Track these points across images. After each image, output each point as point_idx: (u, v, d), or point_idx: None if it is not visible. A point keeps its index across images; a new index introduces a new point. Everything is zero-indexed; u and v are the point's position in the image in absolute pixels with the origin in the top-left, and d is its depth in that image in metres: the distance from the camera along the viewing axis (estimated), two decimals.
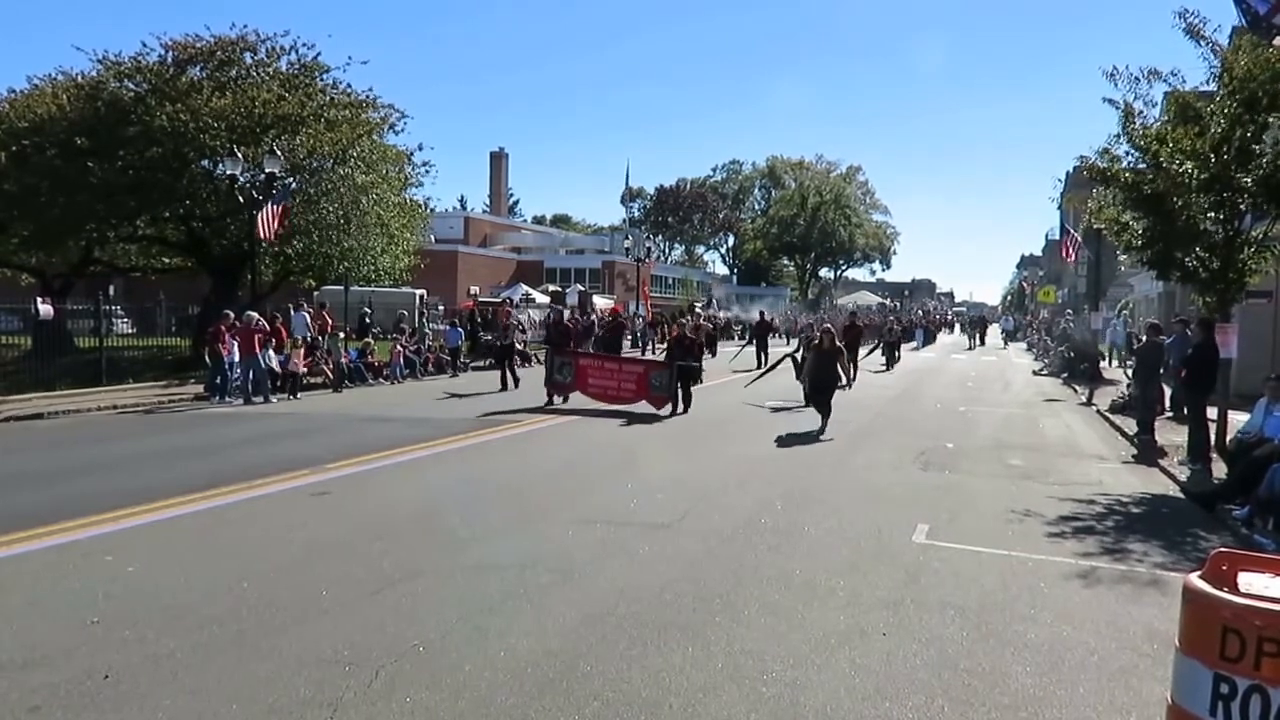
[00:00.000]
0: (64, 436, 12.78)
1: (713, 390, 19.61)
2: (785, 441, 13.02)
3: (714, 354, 30.42)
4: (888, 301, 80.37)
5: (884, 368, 27.84)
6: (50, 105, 21.73)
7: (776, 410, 16.33)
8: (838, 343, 14.98)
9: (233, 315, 17.67)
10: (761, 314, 34.27)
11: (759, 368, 22.75)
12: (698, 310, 28.73)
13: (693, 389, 20.77)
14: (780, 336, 37.43)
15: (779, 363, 19.92)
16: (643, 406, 15.75)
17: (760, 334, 29.59)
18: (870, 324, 42.58)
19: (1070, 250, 29.20)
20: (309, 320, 21.50)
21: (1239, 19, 11.37)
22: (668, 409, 15.67)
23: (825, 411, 14.07)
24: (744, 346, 31.63)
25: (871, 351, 28.76)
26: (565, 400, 16.61)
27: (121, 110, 21.19)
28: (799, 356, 14.99)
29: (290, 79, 23.71)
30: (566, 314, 31.96)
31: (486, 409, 15.92)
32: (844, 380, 14.70)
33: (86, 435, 12.91)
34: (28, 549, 6.74)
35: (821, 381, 14.29)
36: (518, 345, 22.46)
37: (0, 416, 14.15)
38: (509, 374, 19.49)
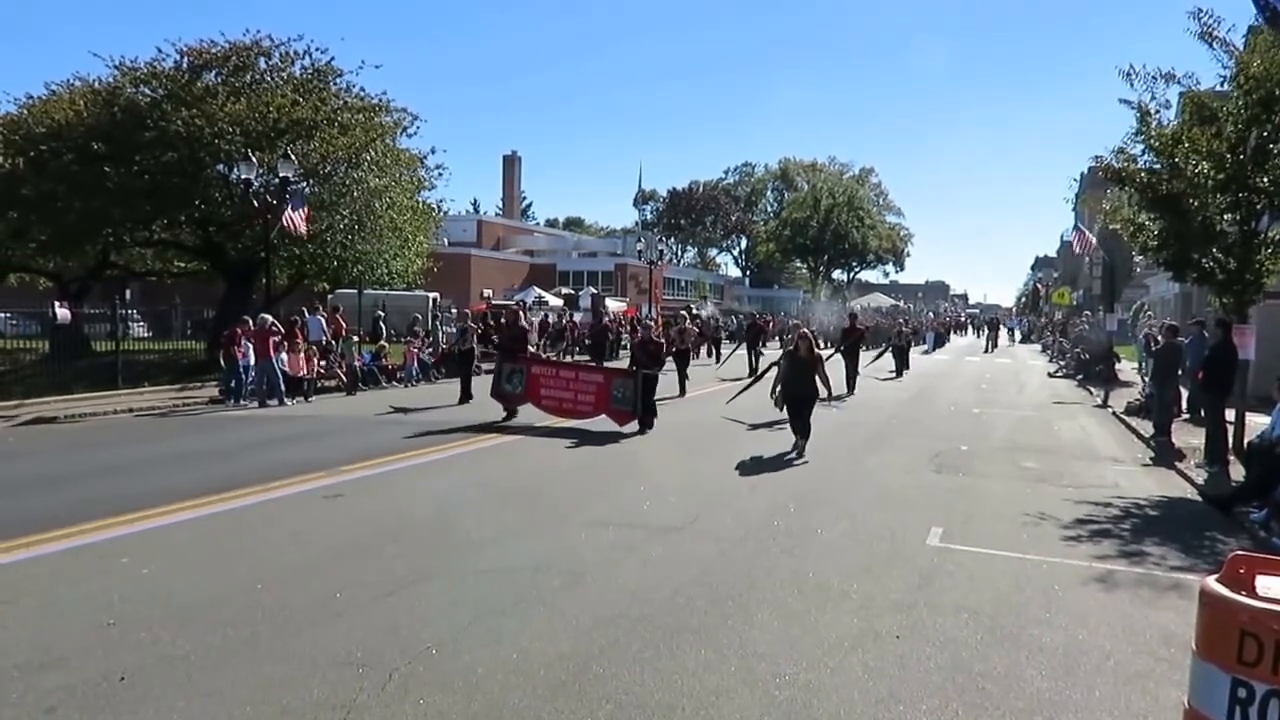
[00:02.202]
0: (80, 439, 12.87)
1: (693, 401, 18.51)
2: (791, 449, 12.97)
3: (718, 359, 29.51)
4: (900, 303, 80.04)
5: (893, 374, 25.72)
6: (68, 111, 21.93)
7: (755, 427, 14.34)
8: (816, 349, 12.52)
9: (250, 320, 17.78)
10: (754, 315, 32.70)
11: (750, 375, 20.30)
12: (683, 313, 27.23)
13: (681, 397, 19.19)
14: (776, 340, 34.89)
15: (764, 372, 17.56)
16: (603, 422, 13.77)
17: (752, 338, 26.78)
18: (875, 326, 41.88)
19: (1084, 243, 28.47)
20: (324, 324, 21.61)
21: (1256, 17, 11.29)
22: (632, 425, 13.71)
23: (803, 431, 11.96)
24: (733, 350, 29.59)
25: (879, 356, 27.03)
26: (513, 415, 14.64)
27: (138, 116, 21.36)
28: (783, 364, 12.74)
29: (304, 83, 23.86)
30: (566, 315, 31.10)
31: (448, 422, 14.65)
32: (824, 393, 12.40)
33: (103, 438, 13.00)
34: (45, 551, 6.79)
35: (797, 395, 12.03)
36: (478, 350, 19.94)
37: (18, 420, 14.29)
38: (465, 384, 17.81)
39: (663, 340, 15.49)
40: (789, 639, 5.26)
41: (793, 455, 11.75)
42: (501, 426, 14.09)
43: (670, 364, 19.03)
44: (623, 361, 22.48)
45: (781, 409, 12.40)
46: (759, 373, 18.29)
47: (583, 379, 14.57)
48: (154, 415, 15.59)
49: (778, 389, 12.36)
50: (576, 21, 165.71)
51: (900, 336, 28.02)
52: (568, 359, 25.81)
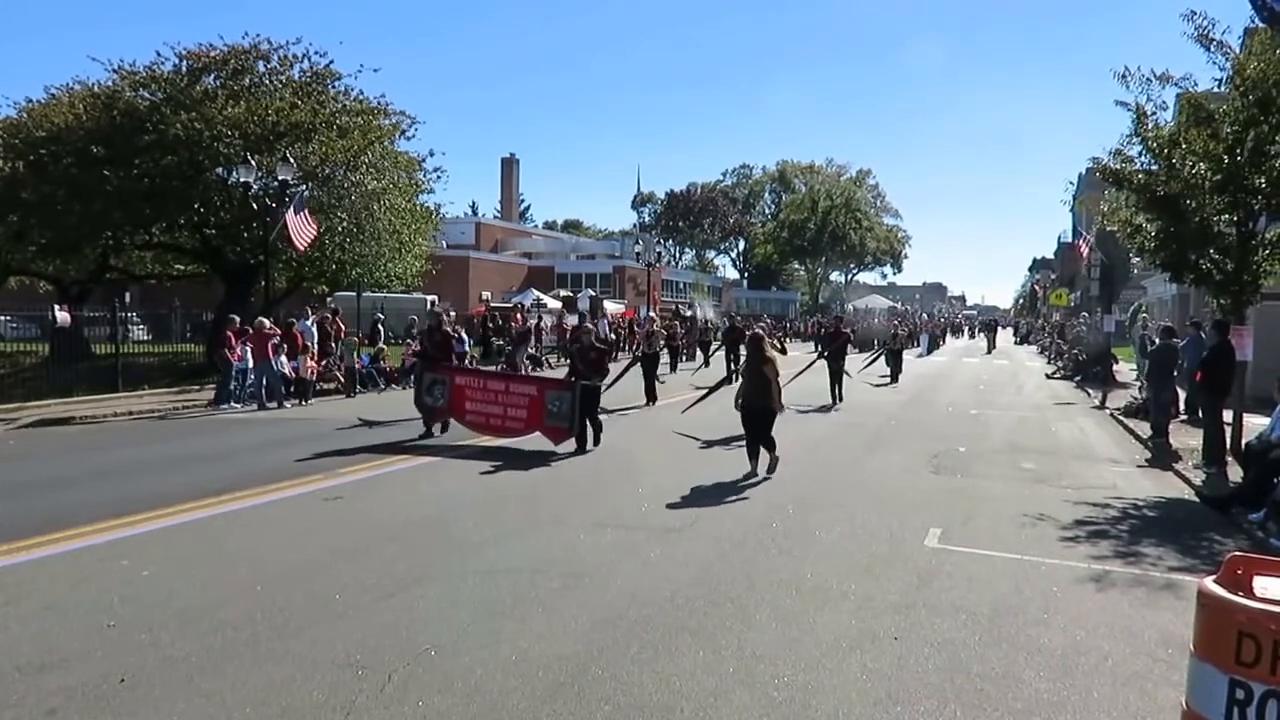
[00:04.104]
0: (80, 442, 12.87)
1: (668, 408, 16.82)
2: (797, 446, 12.97)
3: (708, 363, 28.03)
4: (898, 305, 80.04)
5: (888, 379, 24.42)
6: (67, 114, 21.94)
7: (710, 444, 12.88)
8: (769, 350, 10.71)
9: (239, 320, 17.82)
10: (733, 319, 31.53)
11: (729, 383, 17.76)
12: (652, 315, 25.89)
13: (654, 402, 17.53)
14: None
15: (722, 383, 15.93)
16: (536, 440, 12.16)
17: (731, 342, 24.60)
18: (869, 327, 41.27)
19: (1085, 250, 28.50)
20: (313, 328, 21.58)
21: (1254, 19, 11.32)
22: (569, 444, 12.05)
23: (768, 446, 10.46)
24: (710, 354, 28.04)
25: (872, 361, 25.82)
26: (443, 430, 13.25)
27: (137, 119, 21.36)
28: (742, 371, 11.21)
29: (303, 87, 23.87)
30: (540, 316, 28.94)
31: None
32: (777, 406, 10.49)
33: (103, 441, 13.01)
34: (45, 554, 6.81)
35: (754, 406, 10.40)
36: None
37: (18, 423, 14.29)
38: None
39: (606, 347, 13.28)
40: (787, 640, 5.27)
41: (756, 476, 10.22)
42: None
43: (637, 370, 18.17)
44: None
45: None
46: (716, 383, 16.22)
47: (514, 391, 12.77)
48: (153, 418, 15.60)
49: (736, 398, 10.85)
50: (574, 25, 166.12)
51: (895, 340, 26.57)
52: (540, 370, 24.88)
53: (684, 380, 22.68)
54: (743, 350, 24.55)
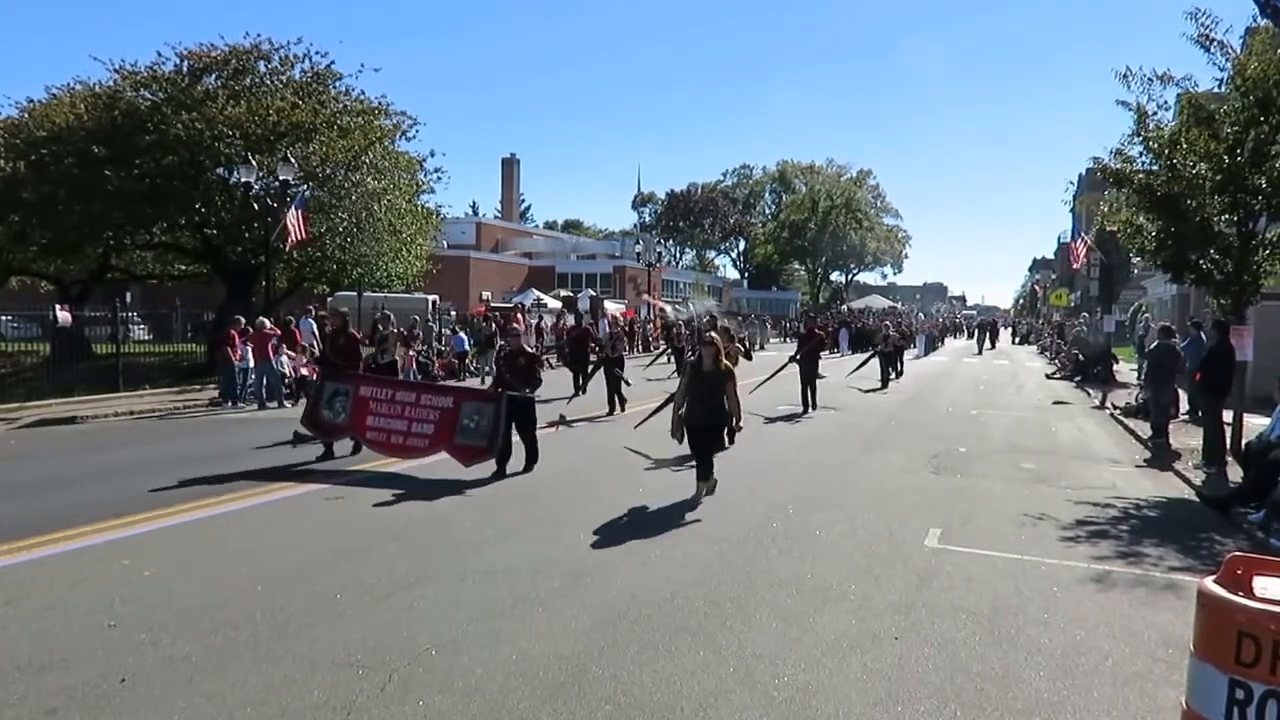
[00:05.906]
0: (81, 442, 12.87)
1: (614, 423, 14.94)
2: (796, 446, 12.98)
3: None
4: (897, 305, 79.98)
5: (879, 386, 22.84)
6: (68, 114, 21.95)
7: (661, 463, 11.30)
8: (723, 359, 9.30)
9: (243, 321, 17.82)
10: (713, 318, 31.09)
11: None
12: (616, 315, 24.57)
13: (613, 411, 15.81)
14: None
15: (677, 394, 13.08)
16: (443, 463, 10.45)
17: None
18: (864, 328, 40.26)
19: (1079, 254, 28.35)
20: (315, 328, 21.59)
21: (1255, 18, 11.33)
22: (485, 465, 10.25)
23: (706, 468, 9.13)
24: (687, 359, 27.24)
25: (863, 364, 24.37)
26: (331, 452, 11.34)
27: (138, 119, 21.38)
28: (683, 380, 9.83)
29: (303, 87, 23.89)
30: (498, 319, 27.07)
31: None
32: (736, 418, 9.42)
33: (103, 441, 13.01)
34: (46, 554, 6.81)
35: (701, 420, 9.08)
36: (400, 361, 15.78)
37: (19, 423, 14.30)
38: None
39: (536, 352, 11.74)
40: (787, 640, 5.27)
41: (690, 502, 8.86)
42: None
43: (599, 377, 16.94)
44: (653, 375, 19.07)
45: (681, 440, 9.31)
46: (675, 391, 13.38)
47: (424, 403, 11.01)
48: (154, 418, 15.61)
49: (680, 413, 9.28)
50: (574, 25, 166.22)
51: (886, 341, 24.79)
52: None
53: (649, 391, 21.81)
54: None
